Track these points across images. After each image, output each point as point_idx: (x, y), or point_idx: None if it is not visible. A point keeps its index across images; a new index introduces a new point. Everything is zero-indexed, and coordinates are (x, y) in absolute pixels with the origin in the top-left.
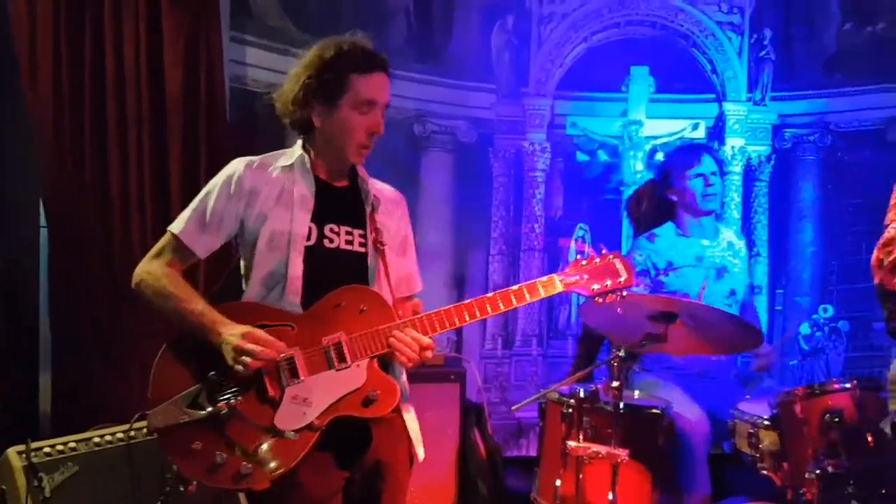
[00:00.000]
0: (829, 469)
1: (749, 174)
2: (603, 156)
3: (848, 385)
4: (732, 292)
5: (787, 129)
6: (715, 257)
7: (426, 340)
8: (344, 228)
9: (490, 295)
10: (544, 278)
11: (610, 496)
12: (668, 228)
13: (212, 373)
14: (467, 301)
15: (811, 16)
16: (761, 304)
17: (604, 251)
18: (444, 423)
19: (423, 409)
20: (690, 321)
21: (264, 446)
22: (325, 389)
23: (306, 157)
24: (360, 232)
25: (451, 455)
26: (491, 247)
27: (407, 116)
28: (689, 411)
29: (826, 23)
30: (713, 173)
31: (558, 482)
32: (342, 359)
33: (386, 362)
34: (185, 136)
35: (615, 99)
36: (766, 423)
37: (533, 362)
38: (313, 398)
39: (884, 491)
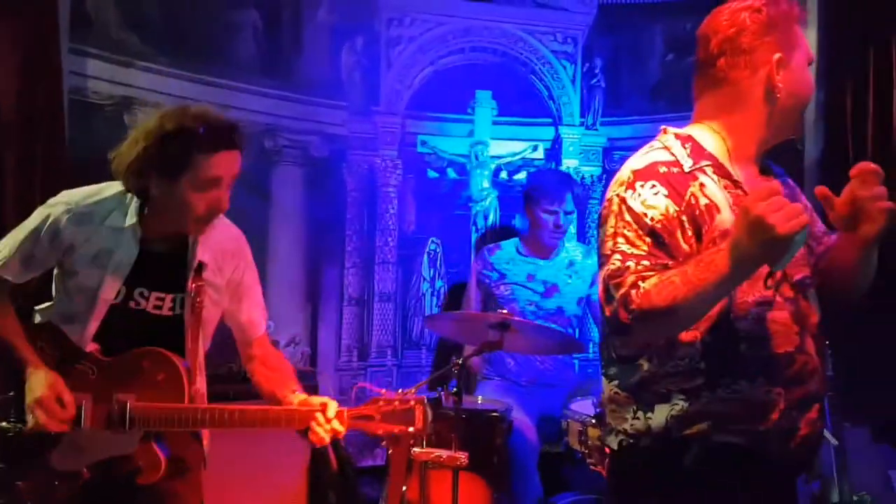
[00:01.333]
0: None
1: (584, 193)
2: (452, 173)
3: None
4: (560, 310)
5: (616, 152)
6: (547, 277)
7: None
8: (155, 294)
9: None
10: (332, 410)
11: (451, 500)
12: (510, 243)
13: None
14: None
15: (637, 47)
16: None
17: (408, 396)
18: (295, 436)
19: None
20: (521, 330)
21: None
22: (99, 445)
23: (138, 228)
24: (174, 297)
25: (302, 468)
26: (346, 260)
27: (257, 131)
28: (521, 418)
29: (650, 54)
30: (567, 213)
31: (405, 488)
32: (122, 422)
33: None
34: (20, 156)
35: (462, 120)
36: (592, 420)
37: (388, 373)
38: (87, 449)
39: None
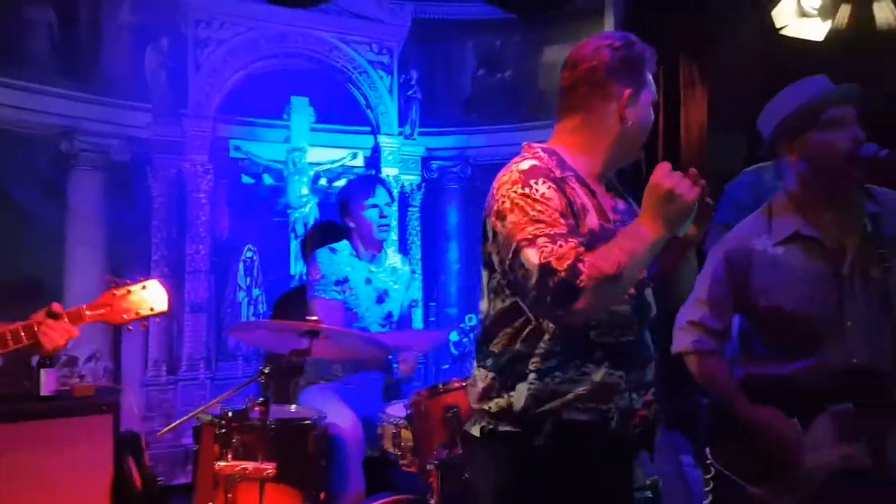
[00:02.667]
0: (446, 458)
1: (403, 201)
2: (269, 179)
3: (465, 383)
4: (389, 315)
5: (433, 161)
6: (380, 282)
7: None
8: None
9: None
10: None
11: None
12: (345, 245)
13: None
14: None
15: (450, 61)
16: (418, 316)
17: (140, 281)
18: (96, 456)
19: (71, 444)
20: (331, 337)
21: None
22: None
23: None
24: None
25: (105, 488)
26: (152, 269)
27: (52, 133)
28: (343, 419)
29: (463, 68)
30: (387, 204)
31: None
32: None
33: None
34: None
35: (278, 126)
36: (403, 422)
37: (201, 386)
38: None
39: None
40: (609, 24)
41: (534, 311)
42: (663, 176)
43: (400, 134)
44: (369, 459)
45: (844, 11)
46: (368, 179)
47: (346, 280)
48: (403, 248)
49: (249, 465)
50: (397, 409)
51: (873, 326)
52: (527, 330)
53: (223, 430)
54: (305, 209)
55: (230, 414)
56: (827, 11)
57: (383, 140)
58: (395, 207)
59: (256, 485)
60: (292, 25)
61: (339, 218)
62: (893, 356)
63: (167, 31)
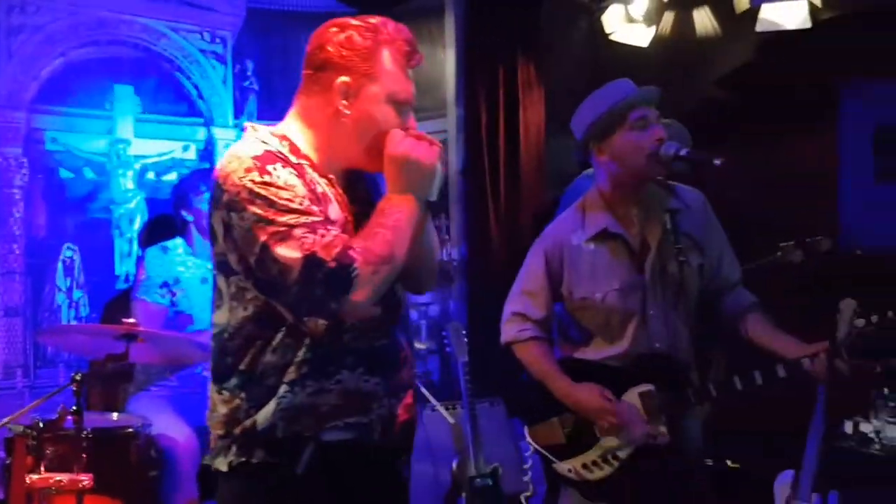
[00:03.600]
0: None
1: None
2: (90, 173)
3: None
4: None
5: None
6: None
7: None
8: None
9: None
10: None
11: None
12: (178, 244)
13: None
14: None
15: (287, 52)
16: None
17: None
18: None
19: None
20: (150, 340)
21: None
22: None
23: None
24: None
25: None
26: None
27: None
28: (175, 430)
29: (300, 59)
30: None
31: None
32: None
33: None
34: None
35: (100, 116)
36: None
37: (19, 395)
38: None
39: None
40: (449, 22)
41: (298, 311)
42: (396, 144)
43: (236, 126)
44: (207, 467)
45: (668, 19)
46: (206, 173)
47: (176, 281)
48: None
49: (64, 476)
50: None
51: (671, 316)
52: (278, 338)
53: (35, 441)
54: (131, 205)
55: (41, 424)
56: (651, 18)
57: (217, 132)
58: None
59: (73, 497)
60: (115, 11)
61: (175, 211)
62: (688, 344)
63: None
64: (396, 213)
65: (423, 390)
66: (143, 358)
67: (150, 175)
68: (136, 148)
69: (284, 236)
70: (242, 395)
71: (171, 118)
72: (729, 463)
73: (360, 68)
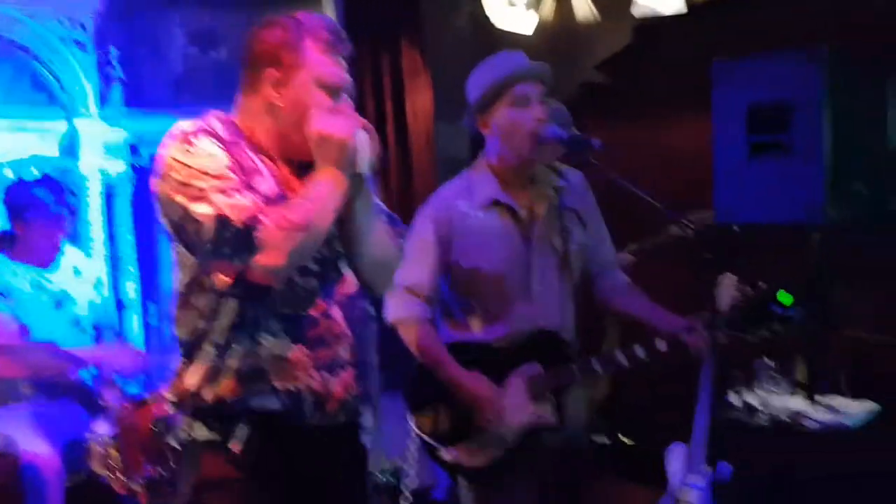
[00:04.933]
0: (153, 475)
1: (110, 192)
2: None
3: None
4: (76, 321)
5: (143, 147)
6: (55, 286)
7: None
8: None
9: None
10: None
11: None
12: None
13: None
14: None
15: (156, 38)
16: (130, 318)
17: None
18: None
19: None
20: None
21: None
22: None
23: None
24: None
25: None
26: None
27: None
28: (37, 446)
29: (170, 46)
30: (57, 202)
31: None
32: None
33: None
34: None
35: None
36: (111, 440)
37: None
38: None
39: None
40: (329, 7)
41: (210, 266)
42: (312, 122)
43: (102, 117)
44: (75, 487)
45: (548, 5)
46: (23, 186)
47: (7, 290)
48: (113, 246)
49: None
50: (104, 426)
51: (556, 292)
52: (209, 303)
53: None
54: None
55: None
56: (532, 3)
57: (80, 125)
58: (81, 200)
59: None
60: None
61: (10, 216)
62: (573, 320)
63: None
64: (316, 186)
65: None
66: (2, 371)
67: (8, 172)
68: None
69: (201, 198)
70: (186, 360)
71: (29, 110)
72: (623, 439)
73: (287, 59)
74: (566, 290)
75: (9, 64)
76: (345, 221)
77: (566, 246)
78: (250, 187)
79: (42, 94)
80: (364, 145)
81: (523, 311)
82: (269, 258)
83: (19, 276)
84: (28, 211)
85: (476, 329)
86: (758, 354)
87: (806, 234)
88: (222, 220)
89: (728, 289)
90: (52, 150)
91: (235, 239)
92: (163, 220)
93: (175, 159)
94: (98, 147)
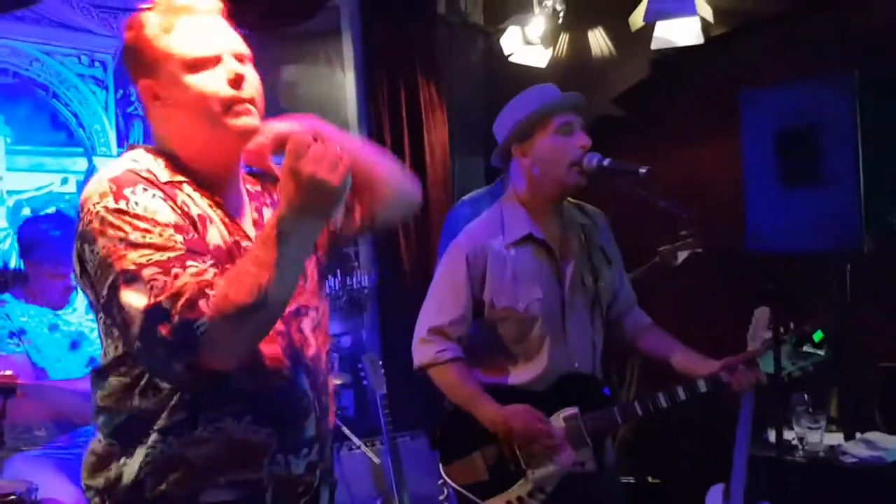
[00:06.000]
0: None
1: None
2: None
3: None
4: (92, 361)
5: None
6: (70, 326)
7: None
8: None
9: None
10: None
11: None
12: (8, 297)
13: None
14: None
15: None
16: None
17: None
18: None
19: None
20: (32, 394)
21: None
22: None
23: None
24: None
25: None
26: None
27: None
28: (60, 493)
29: None
30: (64, 239)
31: None
32: None
33: None
34: None
35: None
36: None
37: None
38: None
39: None
40: (347, 43)
41: (143, 363)
42: (298, 157)
43: (120, 155)
44: None
45: (563, 40)
46: (36, 221)
47: (21, 332)
48: None
49: None
50: None
51: (588, 332)
52: (144, 380)
53: None
54: (4, 245)
55: None
56: (548, 39)
57: (100, 162)
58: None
59: None
60: None
61: (22, 257)
62: (601, 361)
63: None
64: (279, 246)
65: (344, 429)
66: (24, 414)
67: (26, 211)
68: (8, 182)
69: (132, 278)
70: (114, 442)
71: (47, 148)
72: (650, 479)
73: (145, 62)
74: (597, 329)
75: (28, 101)
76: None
77: (596, 285)
78: (201, 247)
79: (61, 132)
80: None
81: (557, 352)
82: (212, 355)
83: (34, 318)
84: (36, 250)
85: (508, 372)
86: (794, 390)
87: (839, 262)
88: (156, 313)
89: (762, 323)
90: (70, 187)
91: (170, 337)
92: (86, 290)
93: (103, 220)
94: None
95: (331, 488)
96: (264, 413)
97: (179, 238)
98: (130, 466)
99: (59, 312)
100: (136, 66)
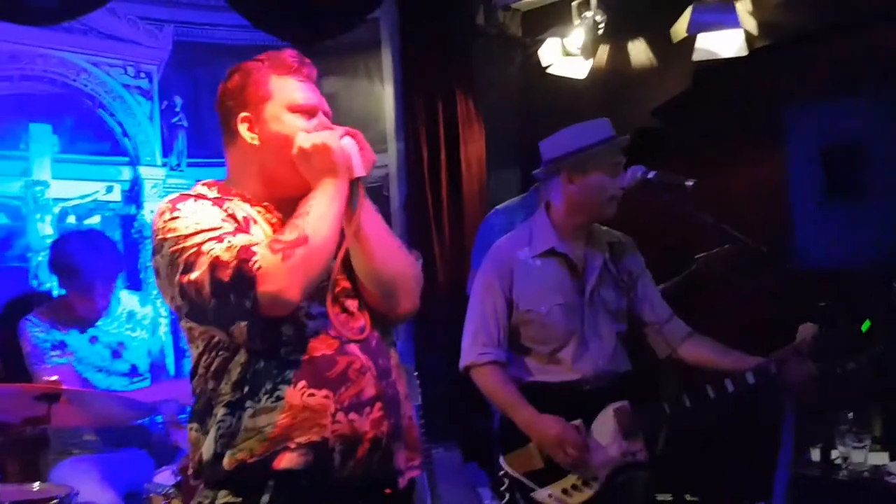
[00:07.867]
0: None
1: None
2: (4, 218)
3: None
4: (133, 369)
5: None
6: (111, 335)
7: None
8: None
9: None
10: None
11: None
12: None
13: None
14: None
15: (215, 87)
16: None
17: None
18: None
19: None
20: (76, 400)
21: None
22: None
23: None
24: None
25: None
26: None
27: None
28: (99, 497)
29: None
30: (95, 260)
31: None
32: None
33: None
34: None
35: (13, 157)
36: (173, 491)
37: None
38: None
39: None
40: (386, 56)
41: (223, 324)
42: (295, 144)
43: (165, 165)
44: None
45: (603, 51)
46: (111, 265)
47: (62, 344)
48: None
49: None
50: (165, 477)
51: (606, 342)
52: (216, 363)
53: None
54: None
55: None
56: (588, 51)
57: (145, 172)
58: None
59: None
60: (29, 44)
61: (54, 275)
62: (629, 365)
63: None
64: (309, 199)
65: None
66: (67, 420)
67: (71, 219)
68: (54, 190)
69: (194, 257)
70: (198, 427)
71: (92, 157)
72: (687, 497)
73: (253, 96)
74: (619, 336)
75: (75, 111)
76: (350, 236)
77: (618, 301)
78: (246, 232)
79: (107, 141)
80: (353, 150)
81: (579, 354)
82: (271, 284)
83: (73, 331)
84: (65, 275)
85: (546, 371)
86: (837, 408)
87: (885, 278)
88: (216, 266)
89: (807, 339)
90: (115, 196)
91: (233, 279)
92: (167, 301)
93: (165, 229)
94: (162, 194)
95: (428, 473)
96: (317, 378)
97: (225, 224)
98: (208, 443)
99: (101, 324)
100: (238, 103)
